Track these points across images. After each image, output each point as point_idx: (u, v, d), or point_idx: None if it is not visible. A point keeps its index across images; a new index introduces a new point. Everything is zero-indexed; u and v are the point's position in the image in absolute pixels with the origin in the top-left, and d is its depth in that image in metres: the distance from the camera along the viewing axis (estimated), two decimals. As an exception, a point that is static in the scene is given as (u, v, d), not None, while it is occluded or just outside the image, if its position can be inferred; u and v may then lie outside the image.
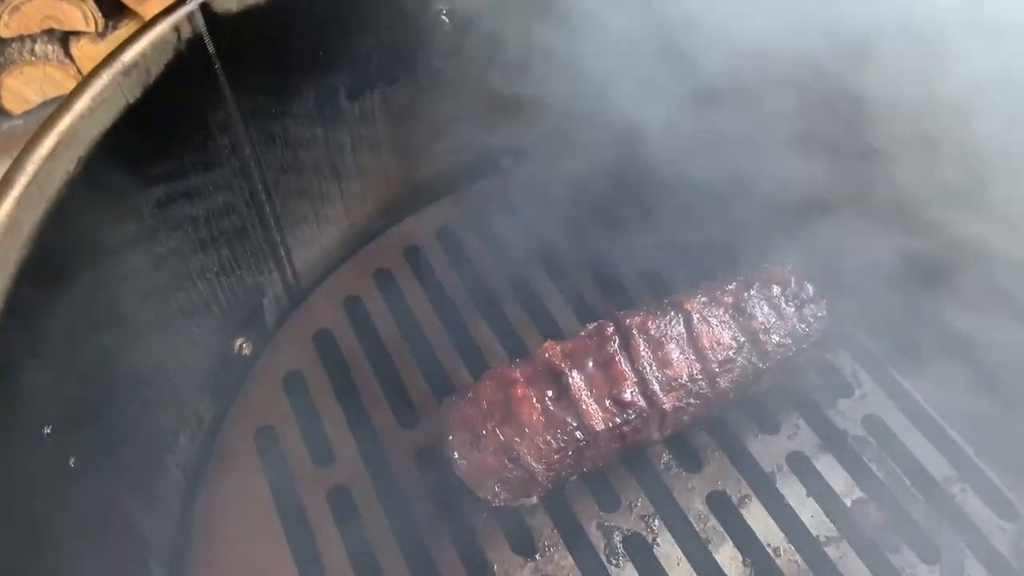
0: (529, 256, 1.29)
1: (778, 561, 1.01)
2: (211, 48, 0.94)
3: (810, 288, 1.08)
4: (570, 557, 1.01)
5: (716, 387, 1.02)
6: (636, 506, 1.05)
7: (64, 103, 0.81)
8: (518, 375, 1.00)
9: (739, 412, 1.12)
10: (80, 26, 2.14)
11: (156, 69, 0.88)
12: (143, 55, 0.86)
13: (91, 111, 0.82)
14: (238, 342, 1.17)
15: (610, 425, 0.98)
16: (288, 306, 1.25)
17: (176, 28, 0.89)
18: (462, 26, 1.16)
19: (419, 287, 1.26)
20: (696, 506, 1.05)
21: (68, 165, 0.79)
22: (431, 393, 1.15)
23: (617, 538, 1.03)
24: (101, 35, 2.18)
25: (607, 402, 0.99)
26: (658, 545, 1.02)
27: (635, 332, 1.02)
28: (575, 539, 1.03)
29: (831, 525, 1.03)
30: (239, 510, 1.06)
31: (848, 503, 1.05)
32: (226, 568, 1.02)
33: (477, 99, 1.24)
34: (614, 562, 1.01)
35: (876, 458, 1.09)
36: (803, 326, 1.06)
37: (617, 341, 1.01)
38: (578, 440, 0.97)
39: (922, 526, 1.03)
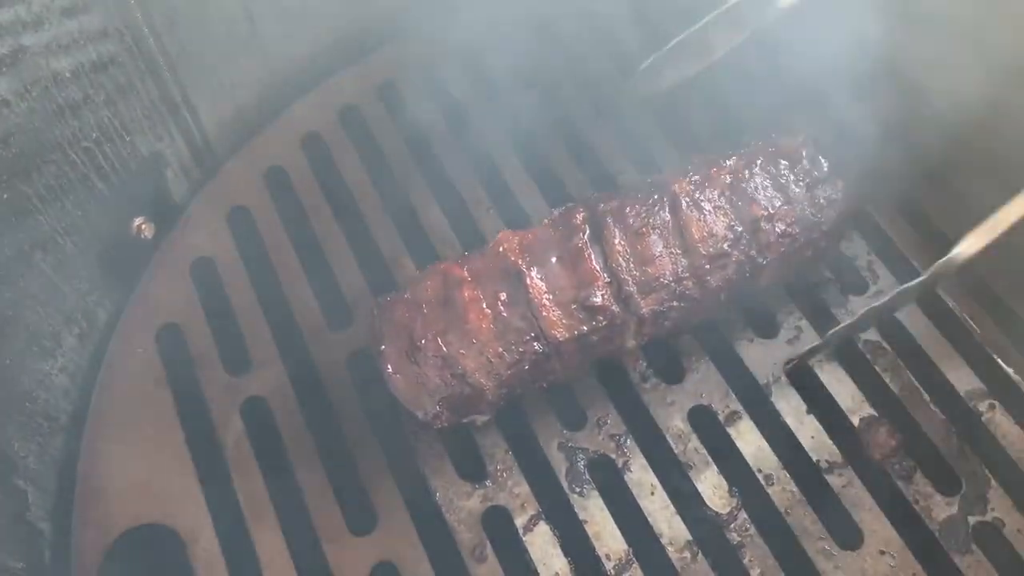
0: (492, 121, 1.10)
1: (770, 491, 0.87)
2: None
3: (824, 164, 0.92)
4: (525, 484, 0.88)
5: (705, 287, 0.87)
6: (605, 424, 0.91)
7: None
8: (465, 273, 0.85)
9: (731, 312, 0.96)
10: None
11: None
12: None
13: None
14: (137, 222, 1.00)
15: (575, 334, 0.84)
16: (200, 178, 1.08)
17: None
18: None
19: (356, 156, 1.10)
20: (676, 424, 0.91)
21: None
22: (367, 287, 0.99)
23: (582, 462, 0.89)
24: None
25: (572, 307, 0.84)
26: (630, 471, 0.89)
27: (609, 220, 0.86)
28: (532, 462, 0.90)
29: (834, 448, 0.90)
30: (136, 424, 0.92)
31: (855, 422, 0.91)
32: (120, 498, 0.88)
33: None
34: (577, 490, 0.87)
35: (890, 368, 0.94)
36: (813, 211, 0.90)
37: (587, 231, 0.86)
38: (536, 352, 0.83)
39: (941, 450, 0.90)
